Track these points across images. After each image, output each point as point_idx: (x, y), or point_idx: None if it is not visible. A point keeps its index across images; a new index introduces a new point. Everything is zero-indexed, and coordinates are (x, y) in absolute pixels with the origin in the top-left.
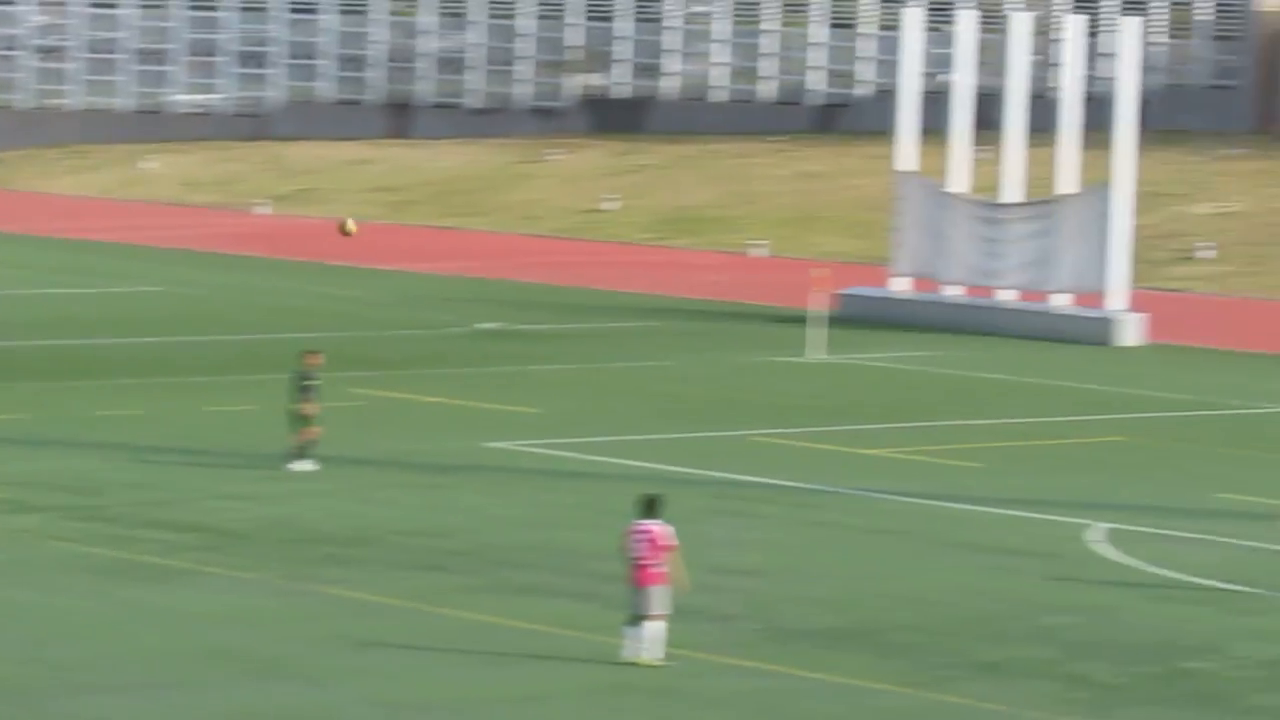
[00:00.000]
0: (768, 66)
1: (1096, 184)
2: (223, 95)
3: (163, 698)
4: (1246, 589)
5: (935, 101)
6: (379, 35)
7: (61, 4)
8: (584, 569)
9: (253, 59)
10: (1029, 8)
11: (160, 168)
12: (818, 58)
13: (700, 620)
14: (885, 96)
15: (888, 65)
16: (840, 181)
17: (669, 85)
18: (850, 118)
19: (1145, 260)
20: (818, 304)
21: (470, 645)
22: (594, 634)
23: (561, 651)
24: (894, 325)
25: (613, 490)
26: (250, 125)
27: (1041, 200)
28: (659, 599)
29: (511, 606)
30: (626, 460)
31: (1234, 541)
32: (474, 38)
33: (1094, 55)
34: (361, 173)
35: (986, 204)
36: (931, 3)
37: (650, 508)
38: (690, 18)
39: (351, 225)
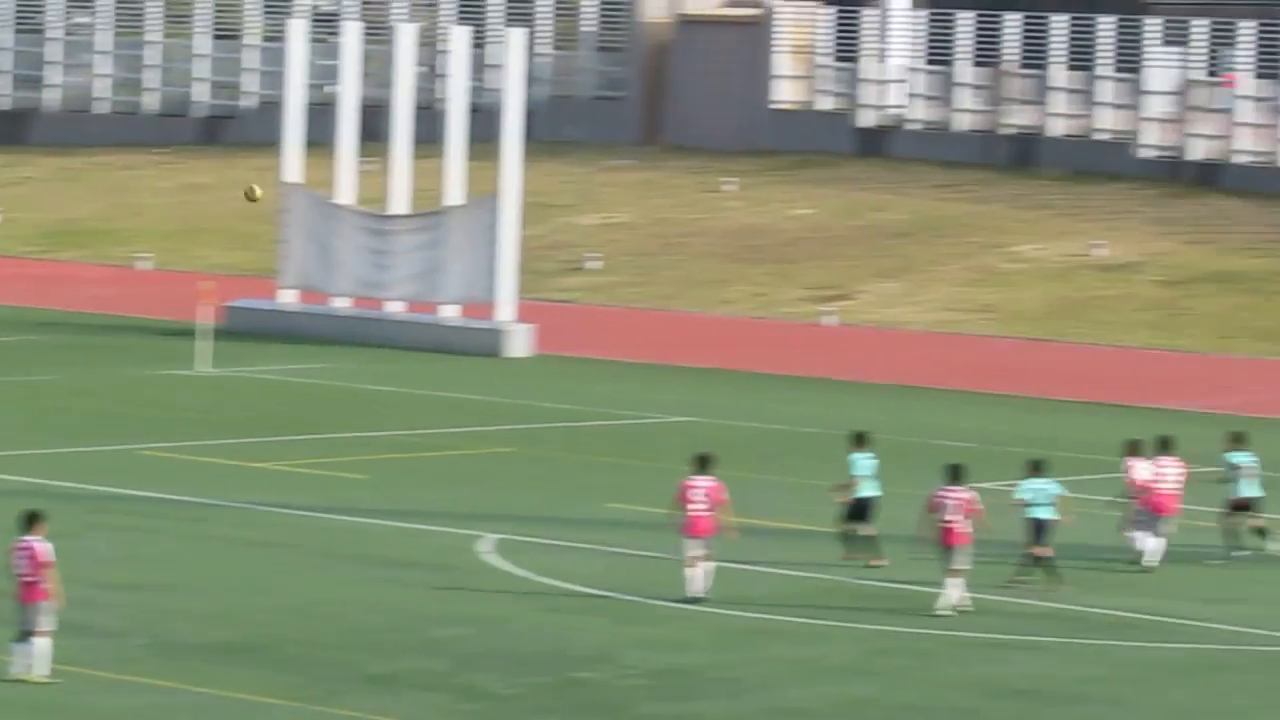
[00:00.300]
0: (152, 78)
1: (484, 195)
2: None
3: None
4: (635, 598)
5: (322, 113)
6: None
7: None
8: None
9: None
10: (414, 19)
11: None
12: (202, 69)
13: (88, 636)
14: (271, 108)
15: (273, 76)
16: (226, 193)
17: (51, 97)
18: (236, 129)
19: (534, 271)
20: (205, 317)
21: None
22: None
23: None
24: (282, 338)
25: None
26: None
27: (429, 212)
28: (45, 615)
29: None
30: (8, 476)
31: (623, 551)
32: None
33: (481, 66)
34: None
35: (374, 216)
36: (316, 14)
37: (30, 523)
38: (72, 29)
39: (258, 192)
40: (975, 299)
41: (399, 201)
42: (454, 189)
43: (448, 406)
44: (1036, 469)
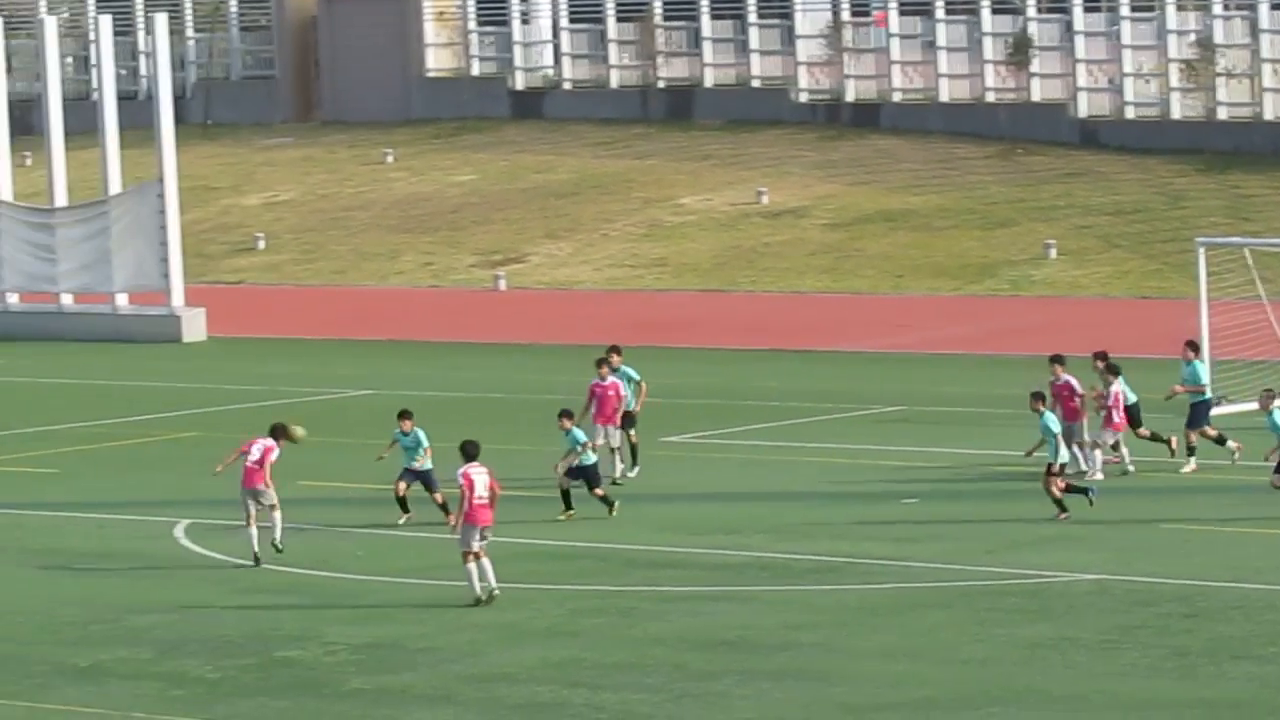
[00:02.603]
0: None
1: (144, 182)
2: None
3: None
4: (335, 575)
5: None
6: None
7: None
8: None
9: None
10: (52, 11)
11: None
12: None
13: None
14: None
15: None
16: None
17: None
18: None
19: (201, 255)
20: None
21: None
22: None
23: None
24: None
25: None
26: None
27: (91, 202)
28: None
29: None
30: None
31: (319, 528)
32: None
33: (130, 54)
34: None
35: (37, 209)
36: None
37: None
38: None
39: (300, 432)
40: (646, 254)
41: (60, 194)
42: (113, 178)
43: (128, 395)
44: None
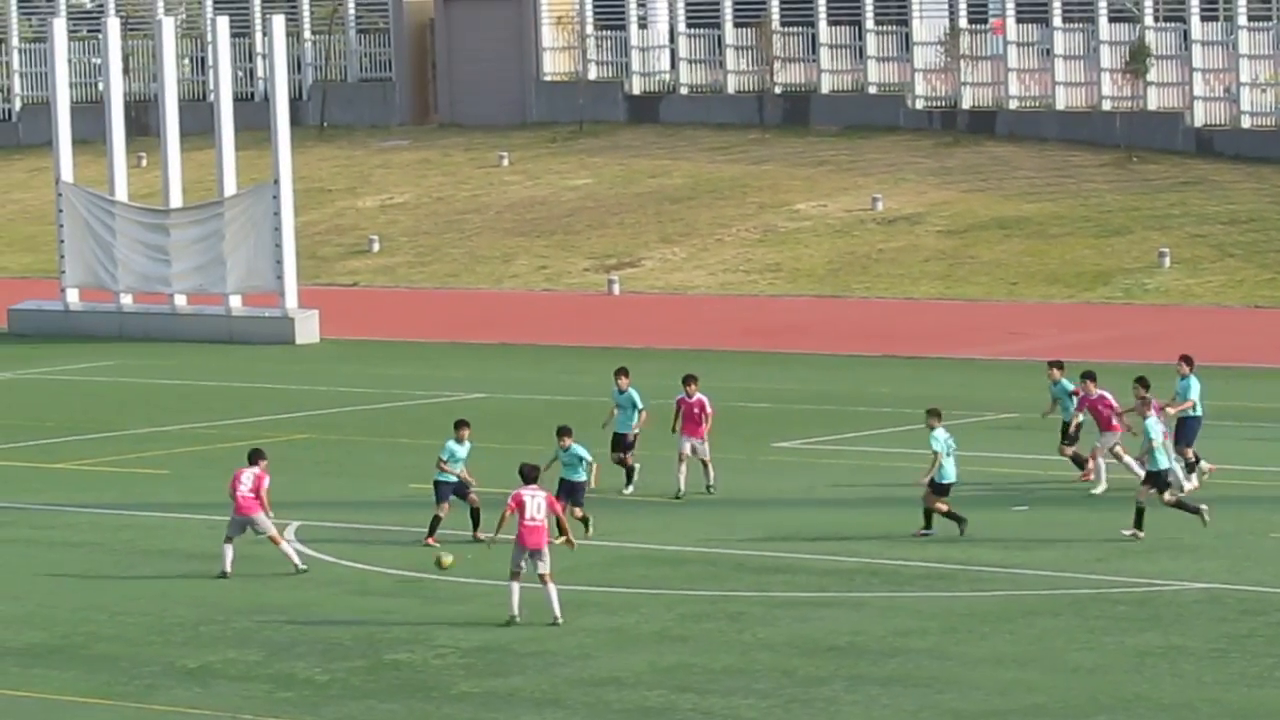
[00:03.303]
0: None
1: (259, 184)
2: None
3: None
4: (445, 578)
5: (92, 111)
6: None
7: None
8: None
9: None
10: (169, 12)
11: None
12: None
13: None
14: (39, 109)
15: (38, 77)
16: (1, 196)
17: None
18: (6, 133)
19: (316, 257)
20: None
21: None
22: None
23: None
24: (70, 338)
25: None
26: None
27: (206, 204)
28: None
29: None
30: None
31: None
32: None
33: (250, 55)
34: None
35: (152, 210)
36: (77, 12)
37: None
38: None
39: (448, 559)
40: (760, 259)
41: (175, 195)
42: (228, 179)
43: (241, 397)
44: None
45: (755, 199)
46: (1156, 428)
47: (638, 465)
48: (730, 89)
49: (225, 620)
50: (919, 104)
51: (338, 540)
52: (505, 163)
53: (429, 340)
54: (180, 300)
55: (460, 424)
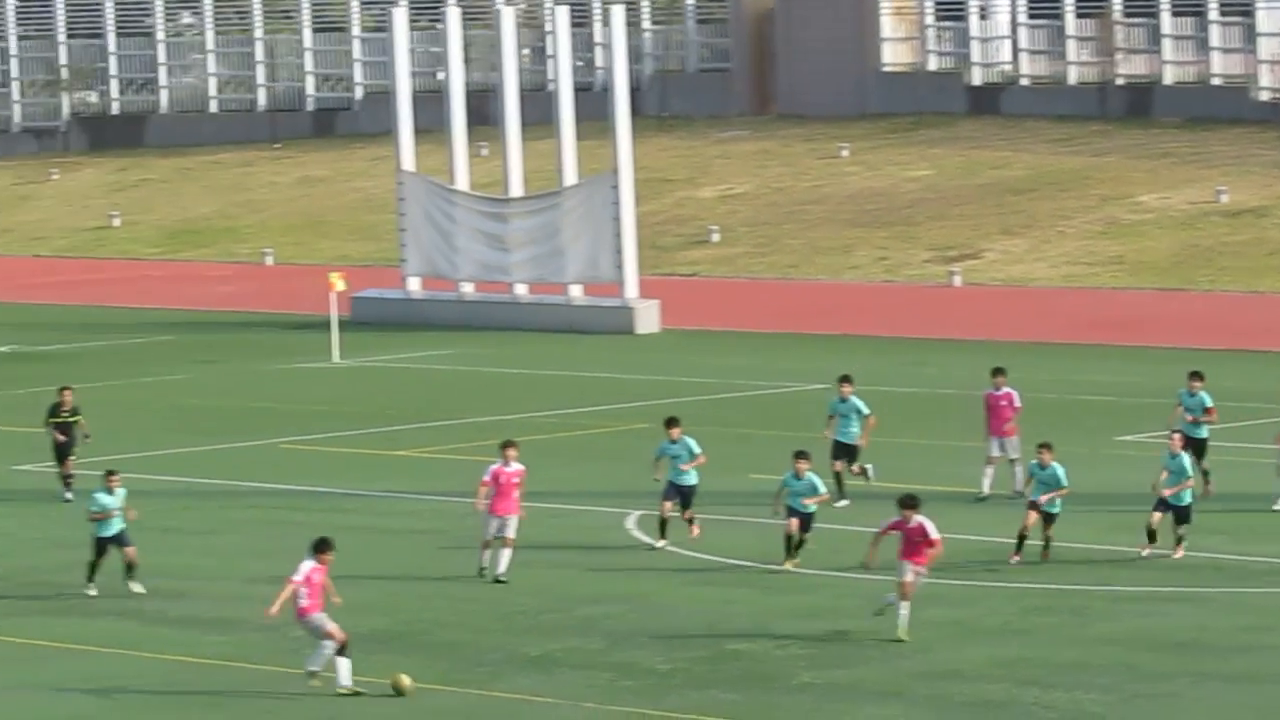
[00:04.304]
0: (262, 74)
1: (599, 174)
2: None
3: None
4: (785, 572)
5: (432, 100)
6: None
7: None
8: (120, 587)
9: None
10: (510, 2)
11: None
12: (311, 63)
13: (242, 630)
14: (379, 98)
15: (378, 66)
16: (343, 185)
17: (164, 99)
18: (347, 121)
19: (655, 247)
20: (333, 308)
21: (14, 669)
22: (138, 650)
23: (108, 670)
24: (410, 326)
25: (143, 507)
26: None
27: (547, 193)
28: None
29: (52, 628)
30: (157, 476)
31: (769, 522)
32: None
33: (590, 45)
34: None
35: (491, 199)
36: (416, 2)
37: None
38: (180, 30)
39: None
40: (1102, 251)
41: (515, 184)
42: (568, 169)
43: (580, 386)
44: None
45: (1097, 191)
46: None
47: (870, 466)
48: (1071, 80)
49: (567, 609)
50: (1263, 96)
51: (680, 529)
52: (845, 154)
53: (768, 331)
54: (521, 289)
55: (671, 422)
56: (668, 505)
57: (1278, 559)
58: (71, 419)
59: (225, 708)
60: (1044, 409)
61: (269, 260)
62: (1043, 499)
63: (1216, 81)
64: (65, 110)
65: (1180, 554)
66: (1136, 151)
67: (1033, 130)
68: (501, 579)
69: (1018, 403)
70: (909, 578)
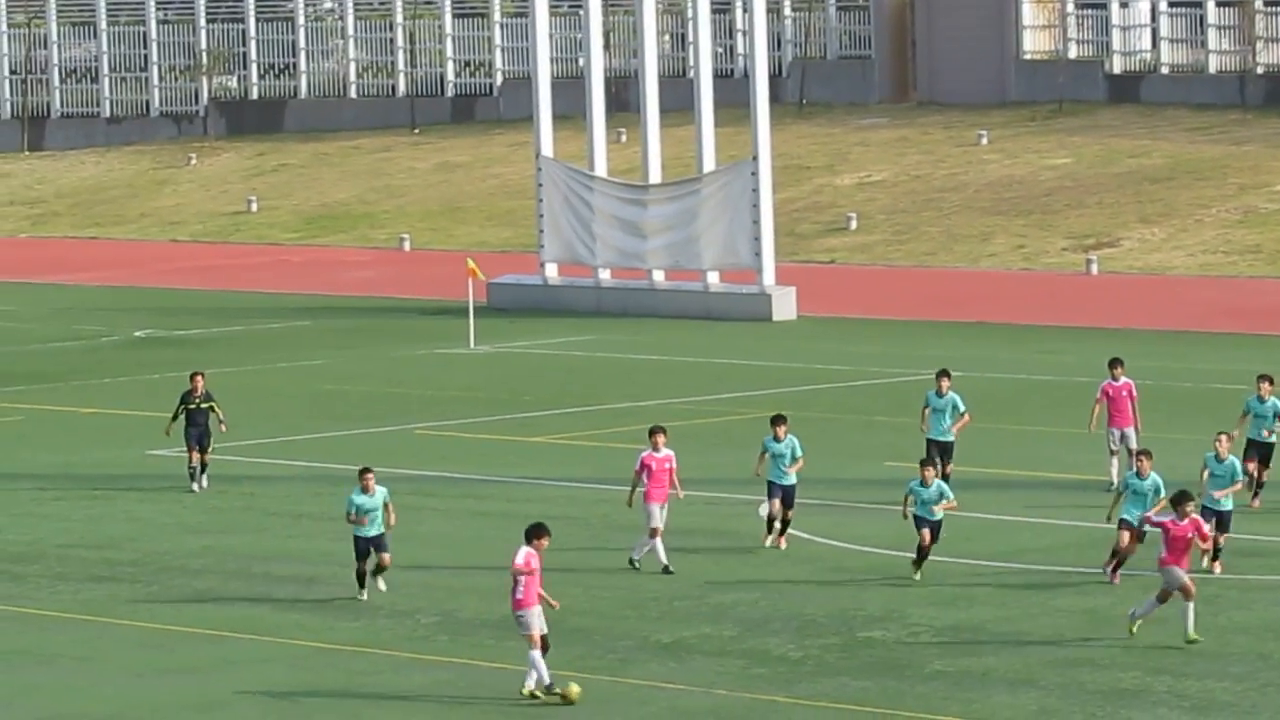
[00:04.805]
0: (402, 60)
1: (738, 161)
2: None
3: None
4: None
5: (572, 86)
6: (6, 48)
7: None
8: (253, 572)
9: None
10: None
11: None
12: (451, 48)
13: (379, 616)
14: (519, 83)
15: (518, 52)
16: (482, 170)
17: (303, 84)
18: (487, 107)
19: (792, 234)
20: (471, 294)
21: (147, 654)
22: (270, 636)
23: (240, 655)
24: (547, 312)
25: (278, 492)
26: None
27: (685, 180)
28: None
29: (185, 614)
30: (293, 461)
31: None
32: (103, 45)
33: (731, 32)
34: None
35: (630, 186)
36: None
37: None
38: (321, 15)
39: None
40: (1240, 240)
41: (653, 170)
42: (707, 156)
43: (716, 373)
44: None
45: (1236, 180)
46: None
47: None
48: (1211, 69)
49: (700, 596)
50: None
51: (814, 516)
52: (984, 141)
53: (905, 318)
54: (658, 275)
55: (777, 419)
56: (776, 503)
57: None
58: (204, 405)
59: (356, 693)
60: (1178, 397)
61: (406, 246)
62: (1151, 515)
63: None
64: (204, 95)
65: (1219, 569)
66: (1275, 140)
67: (1172, 119)
68: (669, 569)
69: (1135, 393)
70: (1186, 580)
